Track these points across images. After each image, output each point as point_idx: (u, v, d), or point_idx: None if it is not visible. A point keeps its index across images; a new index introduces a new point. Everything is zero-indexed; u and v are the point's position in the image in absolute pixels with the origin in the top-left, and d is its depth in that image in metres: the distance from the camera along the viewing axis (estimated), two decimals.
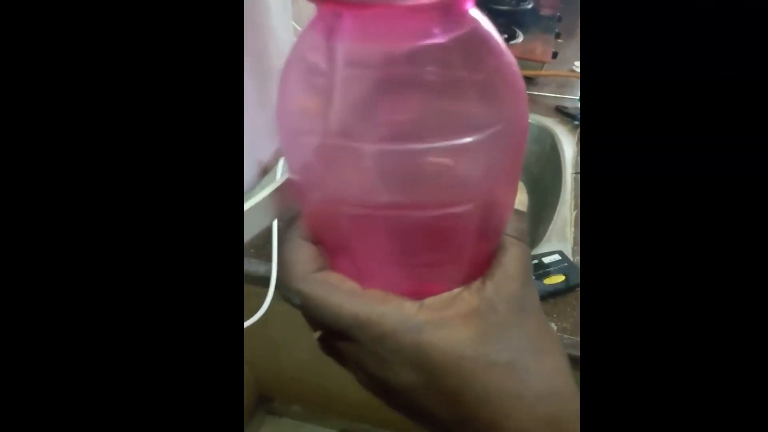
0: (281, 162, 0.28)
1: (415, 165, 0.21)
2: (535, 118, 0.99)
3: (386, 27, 0.19)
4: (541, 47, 1.12)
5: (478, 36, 0.20)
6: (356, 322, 0.23)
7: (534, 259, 0.68)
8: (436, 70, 0.20)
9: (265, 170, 0.29)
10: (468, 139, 0.20)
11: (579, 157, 0.89)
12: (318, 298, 0.23)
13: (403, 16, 0.19)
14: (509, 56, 0.21)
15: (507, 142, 0.21)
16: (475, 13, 0.20)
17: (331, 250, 0.24)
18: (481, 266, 0.24)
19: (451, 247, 0.23)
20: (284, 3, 0.28)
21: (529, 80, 1.10)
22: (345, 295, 0.23)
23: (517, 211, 0.25)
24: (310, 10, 0.20)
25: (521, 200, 0.26)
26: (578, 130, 0.96)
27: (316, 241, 0.25)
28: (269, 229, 0.62)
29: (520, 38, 1.15)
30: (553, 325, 0.63)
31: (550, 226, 0.76)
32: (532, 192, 0.25)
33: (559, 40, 1.18)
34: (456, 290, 0.23)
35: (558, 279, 0.66)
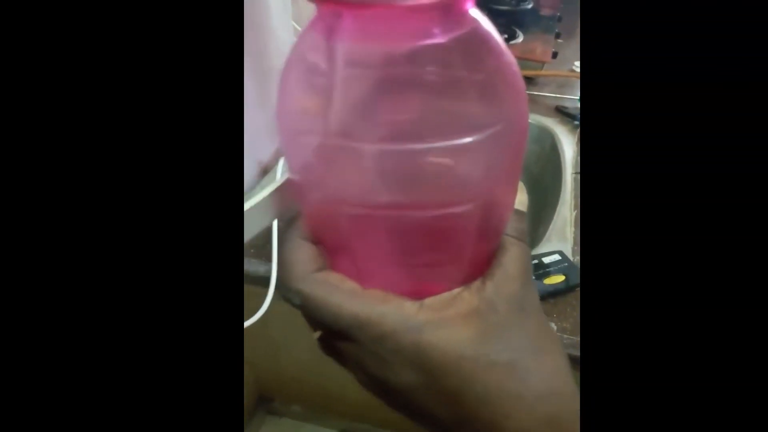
0: (281, 162, 0.28)
1: (415, 165, 0.21)
2: (535, 118, 0.99)
3: (386, 27, 0.19)
4: (541, 47, 1.12)
5: (478, 36, 0.20)
6: (356, 322, 0.23)
7: (534, 259, 0.68)
8: (436, 70, 0.20)
9: (265, 170, 0.29)
10: (468, 139, 0.20)
11: (579, 157, 0.89)
12: (318, 298, 0.23)
13: (403, 16, 0.19)
14: (509, 56, 0.21)
15: (507, 142, 0.21)
16: (475, 13, 0.20)
17: (331, 250, 0.24)
18: (481, 266, 0.24)
19: (451, 247, 0.23)
20: (284, 3, 0.28)
21: (529, 80, 1.10)
22: (345, 295, 0.23)
23: (517, 211, 0.25)
24: (310, 10, 0.20)
25: (521, 200, 0.26)
26: (578, 130, 0.96)
27: (316, 241, 0.25)
28: (269, 229, 0.62)
29: (520, 38, 1.15)
30: (553, 325, 0.63)
31: (550, 226, 0.76)
32: (532, 192, 0.25)
33: (559, 40, 1.18)
34: (456, 290, 0.24)
35: (558, 279, 0.66)
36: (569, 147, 0.92)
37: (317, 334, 0.26)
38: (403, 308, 0.23)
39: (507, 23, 1.17)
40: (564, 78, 1.12)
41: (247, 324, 0.60)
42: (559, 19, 1.19)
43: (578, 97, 1.03)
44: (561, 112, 1.01)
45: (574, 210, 0.79)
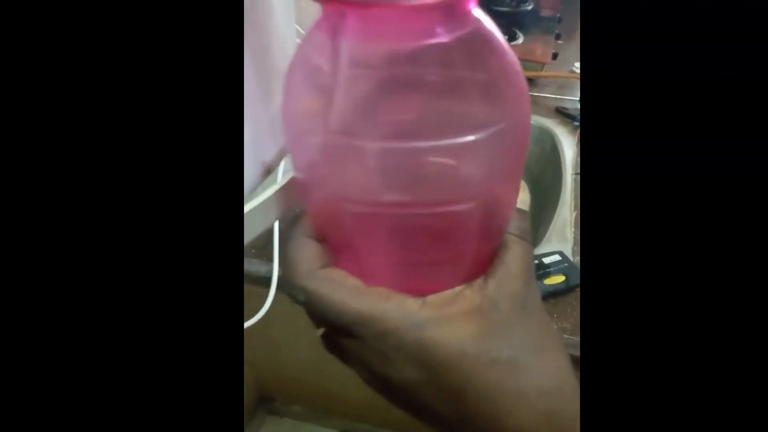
0: (282, 164, 0.28)
1: (418, 163, 0.21)
2: (535, 119, 1.00)
3: (390, 26, 0.20)
4: (541, 48, 1.12)
5: (480, 36, 0.20)
6: (359, 319, 0.23)
7: (534, 260, 0.68)
8: (440, 69, 0.20)
9: (269, 170, 0.29)
10: (470, 138, 0.20)
11: (579, 158, 0.89)
12: (322, 295, 0.23)
13: (407, 15, 0.19)
14: (512, 55, 0.21)
15: (509, 141, 0.21)
16: (477, 12, 0.21)
17: (335, 248, 0.25)
18: (484, 264, 0.24)
19: (453, 245, 0.24)
20: (287, 4, 0.28)
21: (530, 81, 1.10)
22: (349, 292, 0.23)
23: (520, 210, 0.25)
24: (311, 12, 0.21)
25: (523, 199, 0.26)
26: (578, 131, 0.96)
27: (321, 239, 0.25)
28: (270, 230, 0.62)
29: (521, 39, 1.15)
30: (553, 326, 0.63)
31: (550, 227, 0.76)
32: (533, 193, 0.25)
33: (559, 42, 1.18)
34: (458, 288, 0.24)
35: (558, 279, 0.66)
36: (569, 148, 0.92)
37: (320, 331, 0.26)
38: (405, 305, 0.23)
39: (507, 24, 1.17)
40: (564, 79, 1.12)
41: (248, 324, 0.60)
42: (559, 21, 1.20)
43: (578, 98, 1.03)
44: (561, 113, 1.01)
45: (574, 211, 0.79)
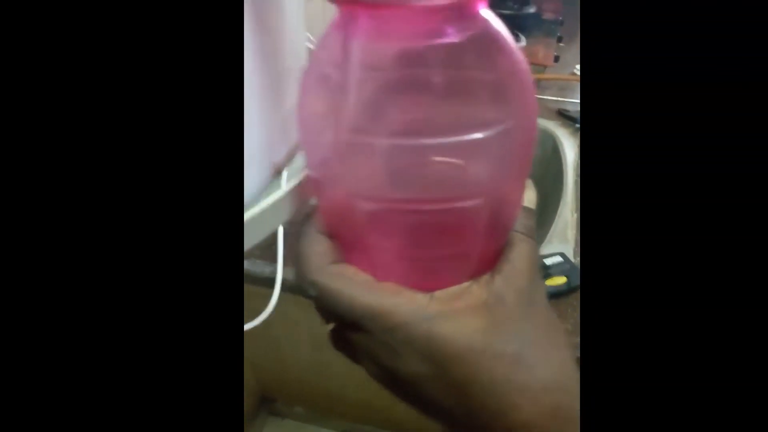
0: (285, 172, 0.29)
1: (427, 160, 0.21)
2: (537, 121, 1.00)
3: (401, 27, 0.20)
4: (543, 51, 1.13)
5: (489, 35, 0.21)
6: (369, 313, 0.23)
7: None
8: (449, 68, 0.21)
9: (279, 171, 0.29)
10: (479, 135, 0.20)
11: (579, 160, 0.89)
12: (333, 290, 0.24)
13: (418, 16, 0.20)
14: (519, 55, 0.22)
15: (516, 139, 0.22)
16: (486, 13, 0.21)
17: (346, 244, 0.25)
18: (490, 261, 0.25)
19: (461, 241, 0.24)
20: (297, 6, 0.29)
21: None
22: (359, 287, 0.24)
23: (526, 208, 0.26)
24: (318, 16, 0.21)
25: (530, 197, 0.26)
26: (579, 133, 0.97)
27: (332, 235, 0.25)
28: (275, 231, 0.62)
29: (523, 42, 1.15)
30: (559, 322, 0.63)
31: (552, 228, 0.77)
32: None
33: (561, 44, 1.18)
34: (465, 284, 0.24)
35: (560, 281, 0.66)
36: (571, 150, 0.93)
37: (330, 326, 0.27)
38: (414, 300, 0.23)
39: (509, 27, 1.16)
40: (565, 81, 1.13)
41: (252, 325, 0.60)
42: (561, 23, 1.20)
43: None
44: (563, 116, 1.02)
45: (575, 212, 0.79)
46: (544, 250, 0.72)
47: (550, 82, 1.13)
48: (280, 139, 0.29)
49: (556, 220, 0.78)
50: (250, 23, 0.24)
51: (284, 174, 0.29)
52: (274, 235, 0.63)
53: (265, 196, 0.26)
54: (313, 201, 0.26)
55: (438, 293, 0.24)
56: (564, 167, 0.89)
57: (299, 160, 0.30)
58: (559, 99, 1.07)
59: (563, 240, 0.74)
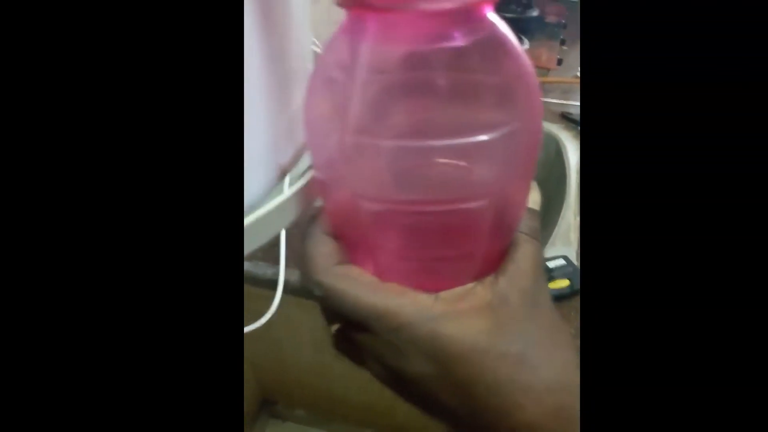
0: (288, 175, 0.29)
1: (433, 161, 0.21)
2: None
3: (408, 30, 0.20)
4: (546, 54, 1.13)
5: (495, 38, 0.21)
6: (374, 313, 0.23)
7: None
8: (456, 71, 0.21)
9: (285, 173, 0.29)
10: (484, 137, 0.21)
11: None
12: (338, 290, 0.24)
13: (425, 19, 0.20)
14: (524, 57, 0.22)
15: (521, 141, 0.22)
16: (492, 16, 0.21)
17: (352, 245, 0.25)
18: (495, 262, 0.25)
19: (465, 242, 0.24)
20: (303, 9, 0.29)
21: None
22: (364, 288, 0.24)
23: (530, 210, 0.26)
24: (326, 21, 0.21)
25: (534, 199, 0.26)
26: None
27: (337, 236, 0.25)
28: (277, 233, 0.62)
29: (526, 45, 1.15)
30: (563, 322, 0.63)
31: (555, 231, 0.77)
32: None
33: (564, 47, 1.18)
34: (470, 284, 0.24)
35: (562, 283, 0.66)
36: (574, 153, 0.93)
37: (334, 327, 0.27)
38: (419, 300, 0.23)
39: (513, 30, 1.17)
40: (569, 84, 1.13)
41: (254, 327, 0.60)
42: (564, 26, 1.20)
43: None
44: (566, 119, 1.02)
45: (578, 215, 0.79)
46: (547, 253, 0.72)
47: (553, 85, 1.13)
48: (286, 140, 0.29)
49: (559, 223, 0.78)
50: (256, 25, 0.24)
51: (287, 178, 0.29)
52: (277, 237, 0.63)
53: (271, 198, 0.27)
54: (319, 202, 0.26)
55: (443, 294, 0.24)
56: (567, 170, 0.89)
57: (305, 162, 0.30)
58: (563, 102, 1.07)
59: (566, 243, 0.74)
